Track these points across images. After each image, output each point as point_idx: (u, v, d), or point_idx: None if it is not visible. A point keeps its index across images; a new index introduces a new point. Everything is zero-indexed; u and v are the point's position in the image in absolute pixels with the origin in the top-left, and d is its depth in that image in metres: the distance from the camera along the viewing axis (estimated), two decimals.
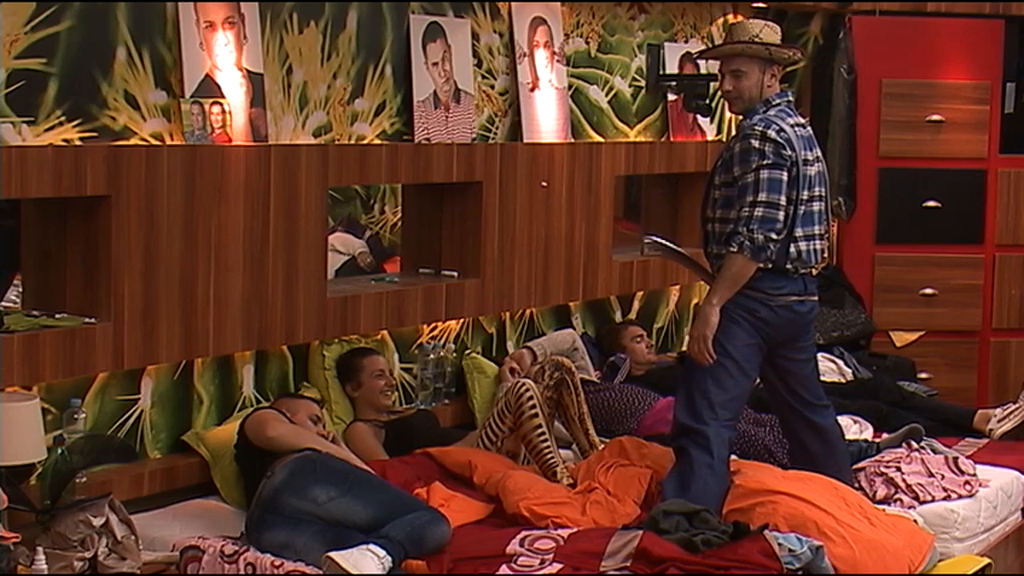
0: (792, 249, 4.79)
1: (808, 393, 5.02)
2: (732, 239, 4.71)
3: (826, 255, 5.03)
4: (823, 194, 4.90)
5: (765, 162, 4.71)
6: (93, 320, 4.35)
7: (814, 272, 4.93)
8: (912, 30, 7.78)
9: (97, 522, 4.05)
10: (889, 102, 7.74)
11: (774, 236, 4.70)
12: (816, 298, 4.97)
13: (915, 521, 4.92)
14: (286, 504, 4.28)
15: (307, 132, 5.13)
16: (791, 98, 4.96)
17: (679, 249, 5.01)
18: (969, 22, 7.78)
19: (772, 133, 4.73)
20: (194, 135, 4.59)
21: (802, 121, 4.92)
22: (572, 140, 6.25)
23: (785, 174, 4.72)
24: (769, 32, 4.89)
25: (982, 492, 5.26)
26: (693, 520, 4.37)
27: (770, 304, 4.80)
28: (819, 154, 4.93)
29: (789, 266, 4.80)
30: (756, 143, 4.73)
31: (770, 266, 4.77)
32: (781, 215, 4.71)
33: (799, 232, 4.80)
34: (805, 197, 4.81)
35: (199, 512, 4.69)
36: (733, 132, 5.14)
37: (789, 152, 4.74)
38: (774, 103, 4.86)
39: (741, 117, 4.95)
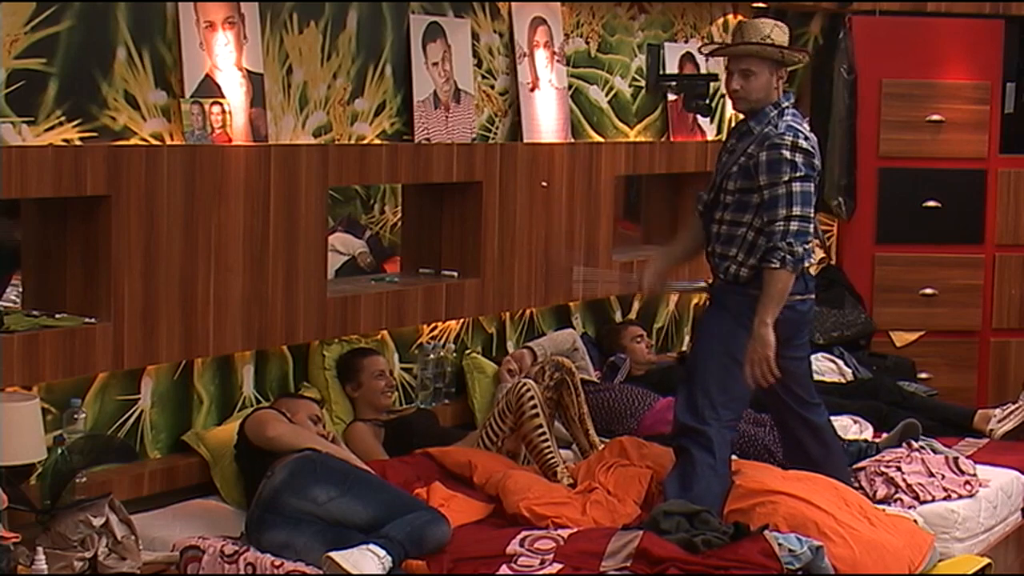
0: None
1: (803, 392, 5.03)
2: (772, 255, 4.67)
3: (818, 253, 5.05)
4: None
5: (797, 174, 4.69)
6: (93, 320, 4.35)
7: (811, 269, 4.93)
8: (912, 30, 7.78)
9: (97, 522, 4.05)
10: (889, 102, 7.74)
11: (808, 247, 4.72)
12: (814, 296, 4.97)
13: (915, 521, 4.92)
14: (286, 504, 4.28)
15: (307, 132, 5.13)
16: (793, 100, 4.95)
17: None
18: (969, 22, 7.78)
19: (803, 143, 4.72)
20: (194, 135, 4.59)
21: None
22: (572, 140, 6.24)
23: (813, 185, 4.74)
24: (779, 32, 4.87)
25: (982, 492, 5.26)
26: (694, 521, 4.37)
27: None
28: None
29: None
30: (788, 153, 4.70)
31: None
32: (811, 227, 4.74)
33: None
34: None
35: (199, 512, 4.68)
36: (729, 131, 5.12)
37: (817, 162, 4.77)
38: (785, 107, 4.84)
39: (744, 118, 4.91)
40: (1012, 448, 5.88)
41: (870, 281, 7.79)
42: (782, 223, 4.67)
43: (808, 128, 4.85)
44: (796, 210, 4.68)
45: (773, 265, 4.67)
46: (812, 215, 4.73)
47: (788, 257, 4.66)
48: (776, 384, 4.99)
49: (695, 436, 4.73)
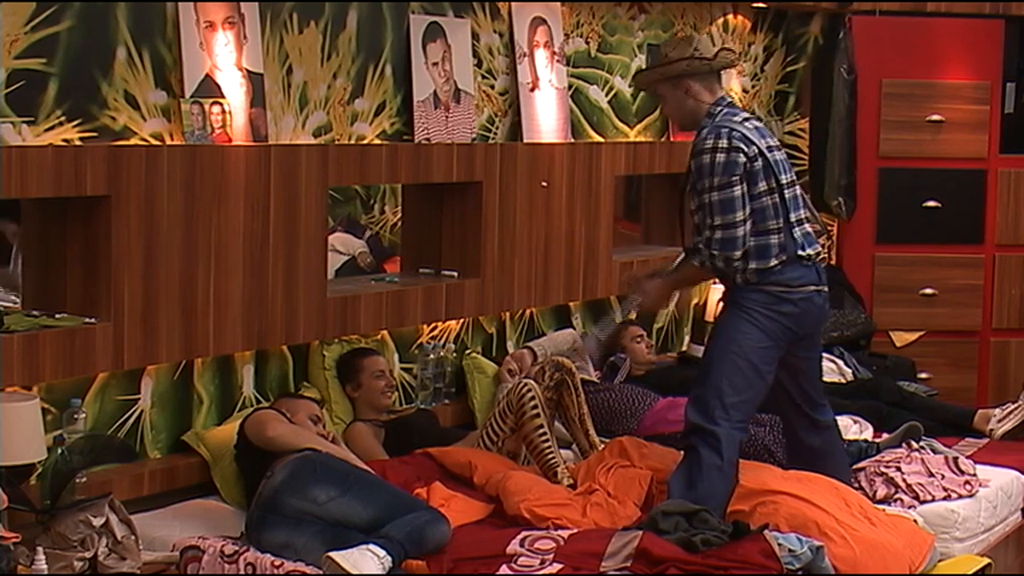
0: (797, 234, 4.80)
1: (814, 392, 5.03)
2: (697, 254, 4.80)
3: (819, 243, 5.05)
4: (795, 179, 4.92)
5: (715, 180, 4.71)
6: (93, 320, 4.35)
7: (820, 257, 4.94)
8: (912, 30, 7.78)
9: (97, 522, 4.05)
10: (889, 102, 7.74)
11: (736, 255, 4.73)
12: (827, 289, 4.97)
13: (915, 521, 4.92)
14: (286, 504, 4.28)
15: (307, 132, 5.13)
16: (731, 100, 4.94)
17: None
18: (969, 22, 7.78)
19: (722, 142, 4.72)
20: (194, 135, 4.59)
21: (749, 115, 4.91)
22: (572, 140, 6.24)
23: (736, 189, 4.71)
24: (680, 47, 4.89)
25: (982, 492, 5.26)
26: (692, 520, 4.37)
27: (791, 298, 4.78)
28: (778, 142, 4.95)
29: (802, 252, 4.80)
30: (707, 159, 4.74)
31: (784, 258, 4.76)
32: (740, 231, 4.71)
33: (792, 217, 4.82)
34: (784, 182, 4.82)
35: (199, 512, 4.69)
36: None
37: (745, 147, 4.73)
38: (716, 111, 4.85)
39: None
40: (1012, 448, 5.88)
41: (870, 281, 7.78)
42: (708, 231, 4.76)
43: (742, 118, 4.82)
44: (718, 219, 4.73)
45: (694, 261, 4.84)
46: (737, 218, 4.70)
47: (707, 263, 4.79)
48: (789, 383, 4.99)
49: (704, 435, 4.71)
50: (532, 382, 5.10)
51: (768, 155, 4.78)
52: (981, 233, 7.79)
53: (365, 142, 5.34)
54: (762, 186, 4.75)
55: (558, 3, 6.19)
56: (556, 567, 4.14)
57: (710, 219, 4.73)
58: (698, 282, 5.75)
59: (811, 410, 5.02)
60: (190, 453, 4.83)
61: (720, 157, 4.71)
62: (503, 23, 5.95)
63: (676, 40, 4.99)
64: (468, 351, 5.91)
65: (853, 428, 5.86)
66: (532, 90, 6.05)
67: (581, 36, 6.42)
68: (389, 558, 4.11)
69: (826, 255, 7.83)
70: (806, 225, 4.88)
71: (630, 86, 5.41)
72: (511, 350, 6.03)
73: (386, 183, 5.86)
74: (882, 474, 5.20)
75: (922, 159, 7.75)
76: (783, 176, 4.82)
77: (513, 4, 5.94)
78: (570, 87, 6.30)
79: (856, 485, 5.12)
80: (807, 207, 4.95)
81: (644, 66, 6.76)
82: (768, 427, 5.48)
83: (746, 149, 4.73)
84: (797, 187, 4.89)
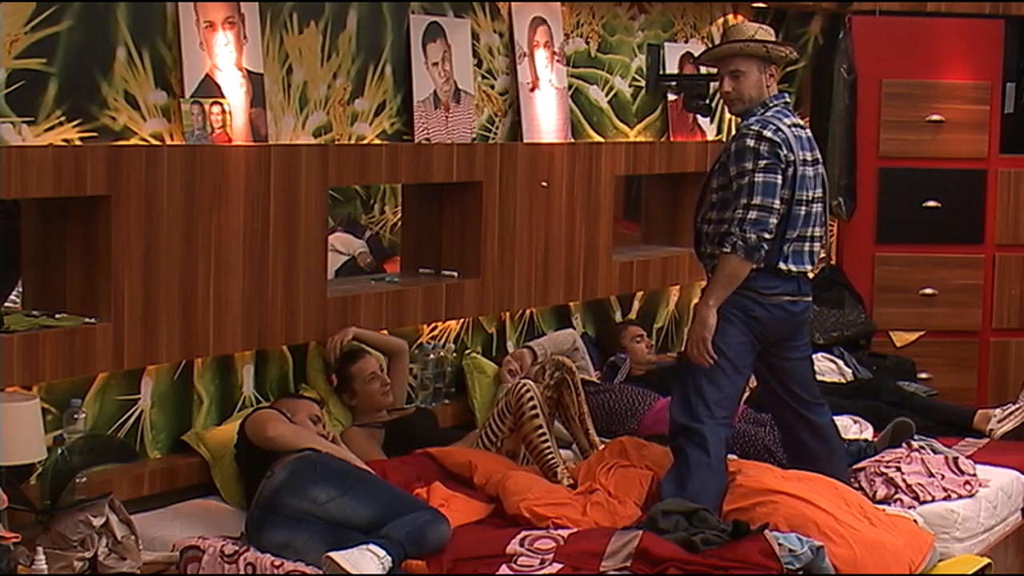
0: (786, 249, 4.80)
1: (805, 392, 5.03)
2: (725, 240, 4.73)
3: (823, 256, 5.03)
4: (822, 196, 4.91)
5: (760, 163, 4.72)
6: (93, 320, 4.35)
7: (809, 274, 4.93)
8: (912, 30, 7.78)
9: (97, 522, 4.05)
10: (889, 102, 7.74)
11: (767, 236, 4.72)
12: (810, 299, 4.98)
13: (915, 521, 4.92)
14: (286, 504, 4.28)
15: (307, 132, 5.13)
16: (788, 99, 4.98)
17: None
18: (969, 22, 7.79)
19: (768, 133, 4.74)
20: (194, 135, 4.59)
21: (800, 122, 4.92)
22: (572, 140, 6.24)
23: (779, 176, 4.74)
24: (764, 33, 4.92)
25: (982, 492, 5.26)
26: (692, 519, 4.37)
27: (763, 303, 4.81)
28: (818, 156, 4.93)
29: (783, 266, 4.81)
30: (752, 143, 4.74)
31: (762, 265, 4.77)
32: (773, 219, 4.72)
33: (795, 233, 4.81)
34: (804, 198, 4.81)
35: (199, 512, 4.68)
36: (733, 133, 5.15)
37: (786, 152, 4.75)
38: (771, 104, 4.86)
39: (740, 119, 4.96)
40: (1012, 448, 5.88)
41: (870, 281, 7.79)
42: (741, 211, 4.72)
43: (793, 123, 4.84)
44: (756, 199, 4.71)
45: (724, 249, 4.74)
46: (775, 205, 4.71)
47: (739, 243, 4.70)
48: (776, 384, 5.02)
49: (689, 434, 4.75)
50: (530, 382, 5.10)
51: (799, 168, 4.79)
52: (981, 233, 7.80)
53: (365, 142, 5.34)
54: (783, 194, 4.76)
55: (558, 3, 6.19)
56: (556, 567, 4.14)
57: (746, 198, 4.71)
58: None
59: (804, 410, 5.03)
60: (190, 453, 4.83)
61: (765, 146, 4.73)
62: (503, 23, 5.95)
63: (756, 26, 4.94)
64: (468, 351, 5.91)
65: (853, 428, 5.86)
66: (532, 90, 6.05)
67: (581, 36, 6.42)
68: (389, 558, 4.11)
69: (825, 255, 7.84)
70: (815, 244, 4.88)
71: (706, 51, 5.07)
72: (511, 350, 6.02)
73: (386, 183, 5.87)
74: (882, 474, 5.20)
75: (922, 159, 7.76)
76: (805, 192, 4.81)
77: (513, 4, 5.94)
78: (570, 87, 6.30)
79: (856, 485, 5.12)
80: (821, 227, 4.93)
81: (644, 66, 6.79)
82: (768, 427, 5.49)
83: (785, 152, 4.75)
84: (816, 205, 4.88)
